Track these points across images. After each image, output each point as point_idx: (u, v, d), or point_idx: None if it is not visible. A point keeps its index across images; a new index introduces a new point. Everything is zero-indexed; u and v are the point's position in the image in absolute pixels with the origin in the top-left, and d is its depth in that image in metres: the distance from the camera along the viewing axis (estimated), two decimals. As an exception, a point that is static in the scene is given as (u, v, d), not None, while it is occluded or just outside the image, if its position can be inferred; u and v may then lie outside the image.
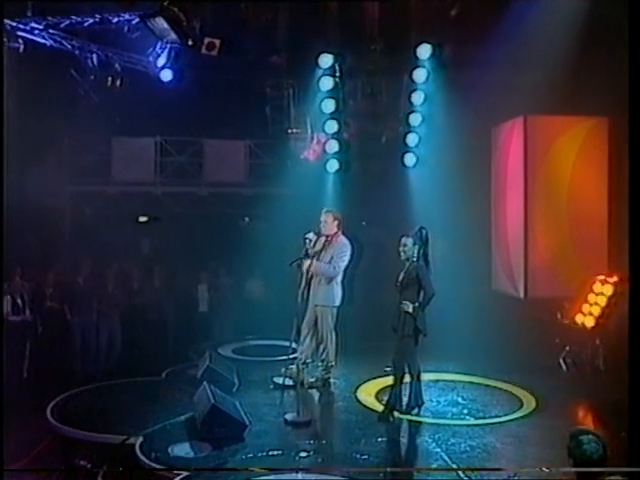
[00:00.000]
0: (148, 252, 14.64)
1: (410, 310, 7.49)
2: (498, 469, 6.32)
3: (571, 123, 10.58)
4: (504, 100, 10.60)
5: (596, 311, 9.72)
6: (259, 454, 6.49)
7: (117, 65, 12.43)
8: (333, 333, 8.80)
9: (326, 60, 11.37)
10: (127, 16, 11.66)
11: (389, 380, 8.85)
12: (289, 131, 13.93)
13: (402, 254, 7.74)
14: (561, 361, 9.79)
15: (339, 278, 8.73)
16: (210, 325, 12.30)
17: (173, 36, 10.82)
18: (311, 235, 8.45)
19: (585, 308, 9.88)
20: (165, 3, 10.54)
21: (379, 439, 7.08)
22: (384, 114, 12.12)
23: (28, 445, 6.99)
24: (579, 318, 9.88)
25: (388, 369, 8.71)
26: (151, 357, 10.40)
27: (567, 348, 9.83)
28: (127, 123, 13.59)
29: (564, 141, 10.53)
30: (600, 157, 10.50)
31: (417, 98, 11.60)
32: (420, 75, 11.42)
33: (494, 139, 11.60)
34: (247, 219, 17.58)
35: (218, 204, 15.27)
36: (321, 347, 8.83)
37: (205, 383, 7.56)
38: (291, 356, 9.83)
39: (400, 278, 7.71)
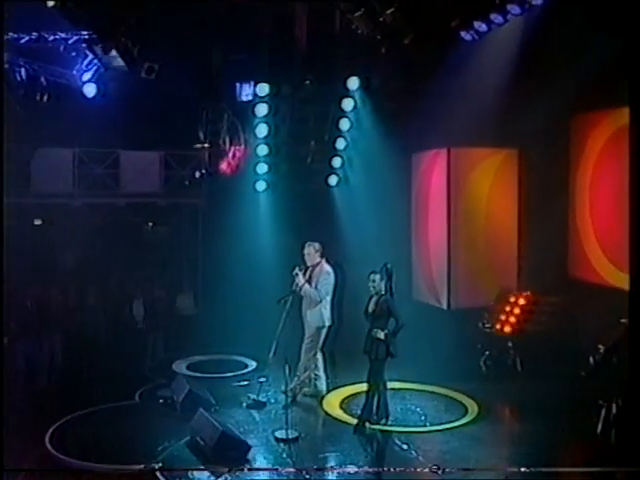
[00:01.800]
0: (71, 265, 14.59)
1: (382, 337, 8.54)
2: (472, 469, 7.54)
3: (487, 154, 11.97)
4: (425, 128, 11.80)
5: (512, 320, 11.22)
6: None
7: (42, 78, 12.38)
8: (315, 352, 9.67)
9: (262, 88, 12.15)
10: (64, 35, 11.71)
11: (347, 391, 9.96)
12: (205, 144, 14.37)
13: (372, 289, 8.75)
14: (482, 364, 11.21)
15: (327, 302, 9.60)
16: (145, 340, 12.23)
17: (121, 63, 11.01)
18: (297, 270, 9.30)
19: (502, 317, 11.36)
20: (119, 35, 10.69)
21: (362, 449, 8.16)
22: (311, 138, 12.92)
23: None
24: (497, 326, 11.34)
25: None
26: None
27: (487, 352, 11.25)
28: (48, 135, 13.51)
29: (481, 169, 11.89)
30: (511, 184, 11.96)
31: (344, 124, 12.66)
32: (348, 104, 12.47)
33: (415, 165, 12.78)
34: (150, 224, 17.81)
35: (135, 214, 15.49)
36: (300, 363, 9.65)
37: (201, 409, 8.20)
38: (245, 370, 10.66)
39: (370, 310, 8.74)
